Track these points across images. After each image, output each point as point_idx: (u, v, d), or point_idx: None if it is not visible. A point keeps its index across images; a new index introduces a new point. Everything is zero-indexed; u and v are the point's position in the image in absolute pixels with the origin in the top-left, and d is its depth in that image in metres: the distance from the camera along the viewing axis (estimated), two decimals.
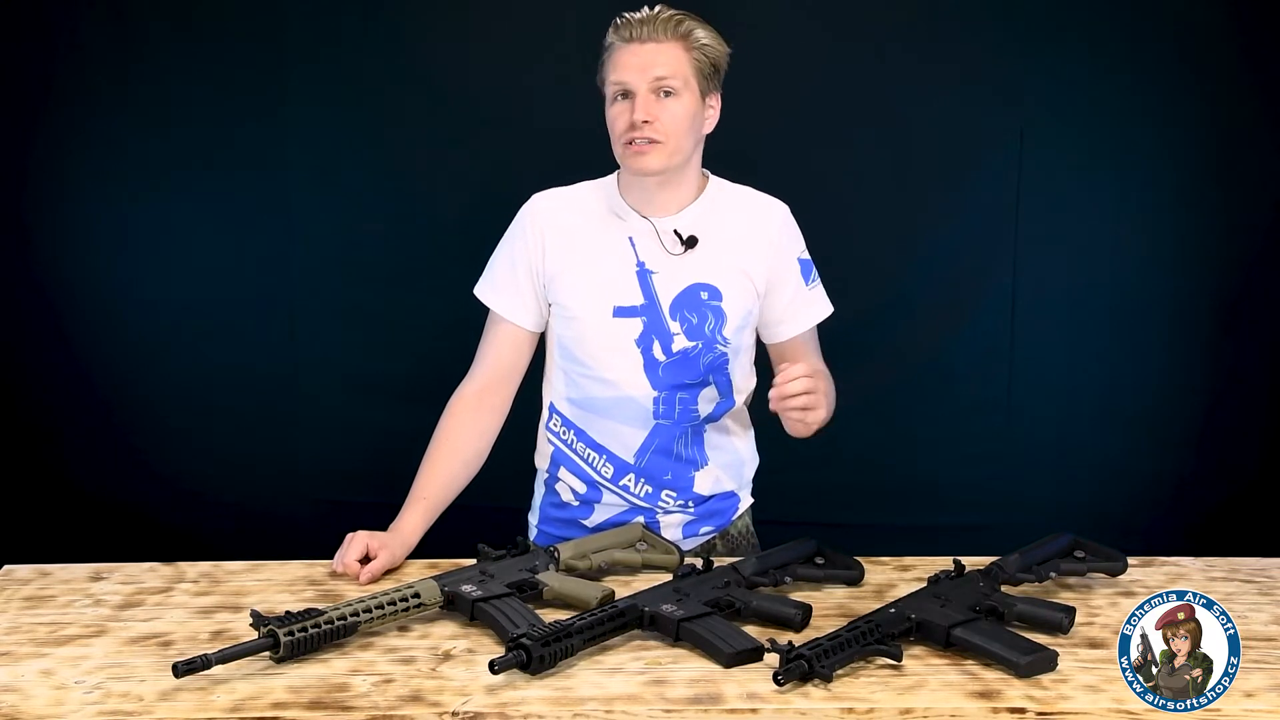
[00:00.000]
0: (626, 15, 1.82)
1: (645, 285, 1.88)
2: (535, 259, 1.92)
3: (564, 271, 1.90)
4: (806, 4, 2.73)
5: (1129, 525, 2.72)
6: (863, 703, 1.34)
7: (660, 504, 1.94)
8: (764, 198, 1.96)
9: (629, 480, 1.93)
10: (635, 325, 1.88)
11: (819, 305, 1.99)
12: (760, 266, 1.91)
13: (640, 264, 1.89)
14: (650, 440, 1.91)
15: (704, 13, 1.86)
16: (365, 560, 1.74)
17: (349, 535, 1.76)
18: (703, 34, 1.82)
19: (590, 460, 1.95)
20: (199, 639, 1.52)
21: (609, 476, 1.94)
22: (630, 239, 1.89)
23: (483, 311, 1.97)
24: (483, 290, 1.97)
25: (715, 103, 1.88)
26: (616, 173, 1.94)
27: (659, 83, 1.78)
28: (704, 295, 1.89)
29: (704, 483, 1.96)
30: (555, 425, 1.98)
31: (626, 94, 1.80)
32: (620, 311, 1.88)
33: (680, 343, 1.88)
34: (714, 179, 1.94)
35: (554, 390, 1.98)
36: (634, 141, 1.80)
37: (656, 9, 1.81)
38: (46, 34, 2.72)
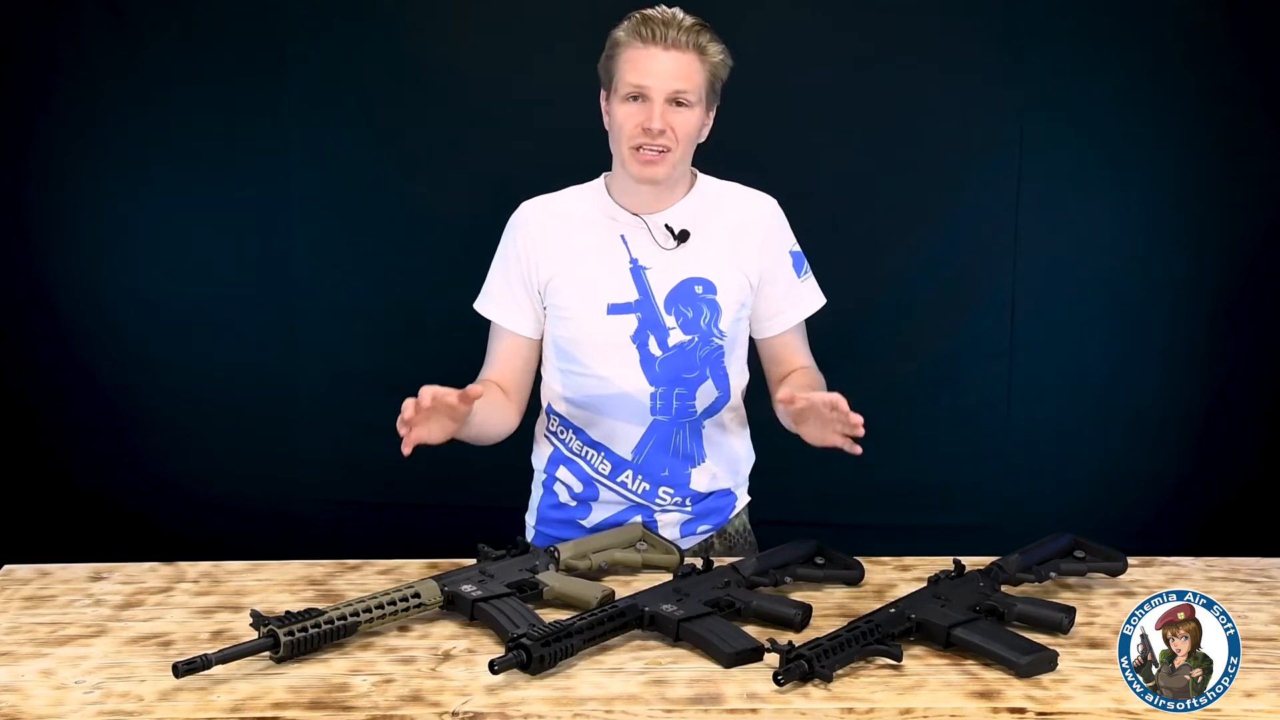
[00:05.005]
0: (647, 14, 1.79)
1: (639, 281, 1.88)
2: (528, 270, 1.91)
3: (557, 275, 1.90)
4: (808, 4, 2.73)
5: (1129, 525, 2.72)
6: (863, 703, 1.34)
7: (658, 501, 1.94)
8: (753, 193, 1.96)
9: (626, 477, 1.93)
10: (630, 321, 1.88)
11: (811, 297, 1.99)
12: (752, 260, 1.91)
13: (633, 260, 1.88)
14: (648, 437, 1.91)
15: (708, 13, 1.85)
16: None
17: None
18: (716, 49, 1.81)
19: (588, 457, 1.95)
20: (199, 639, 1.52)
21: (606, 473, 1.94)
22: (622, 236, 1.89)
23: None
24: (482, 304, 1.97)
25: (712, 114, 1.87)
26: (604, 176, 1.93)
27: (677, 94, 1.78)
28: (698, 289, 1.88)
29: (701, 479, 1.95)
30: (553, 426, 1.98)
31: (641, 97, 1.78)
32: (614, 308, 1.88)
33: (676, 337, 1.88)
34: (702, 176, 1.94)
35: (550, 392, 1.98)
36: (643, 148, 1.79)
37: (674, 11, 1.79)
38: (47, 34, 2.72)
